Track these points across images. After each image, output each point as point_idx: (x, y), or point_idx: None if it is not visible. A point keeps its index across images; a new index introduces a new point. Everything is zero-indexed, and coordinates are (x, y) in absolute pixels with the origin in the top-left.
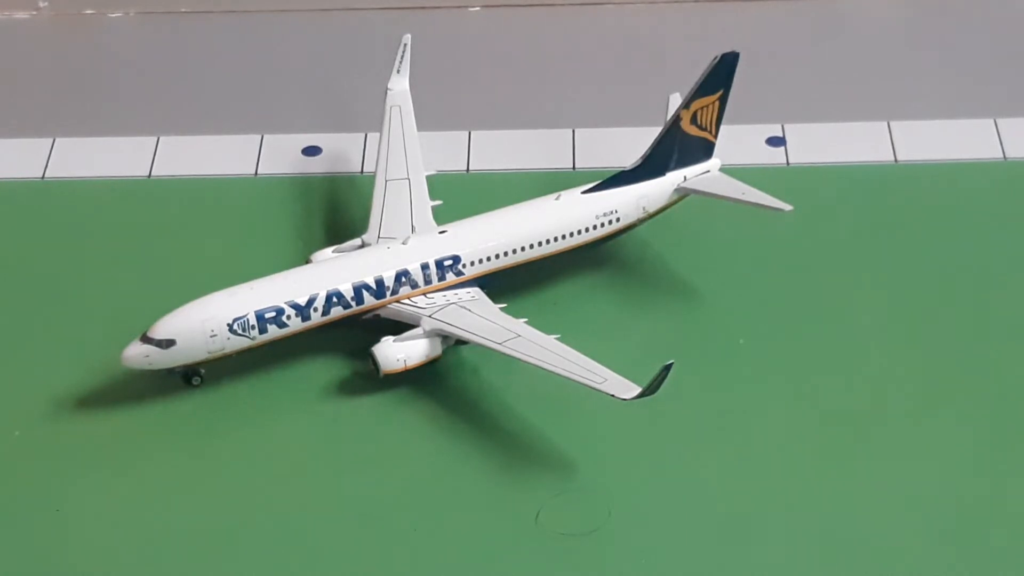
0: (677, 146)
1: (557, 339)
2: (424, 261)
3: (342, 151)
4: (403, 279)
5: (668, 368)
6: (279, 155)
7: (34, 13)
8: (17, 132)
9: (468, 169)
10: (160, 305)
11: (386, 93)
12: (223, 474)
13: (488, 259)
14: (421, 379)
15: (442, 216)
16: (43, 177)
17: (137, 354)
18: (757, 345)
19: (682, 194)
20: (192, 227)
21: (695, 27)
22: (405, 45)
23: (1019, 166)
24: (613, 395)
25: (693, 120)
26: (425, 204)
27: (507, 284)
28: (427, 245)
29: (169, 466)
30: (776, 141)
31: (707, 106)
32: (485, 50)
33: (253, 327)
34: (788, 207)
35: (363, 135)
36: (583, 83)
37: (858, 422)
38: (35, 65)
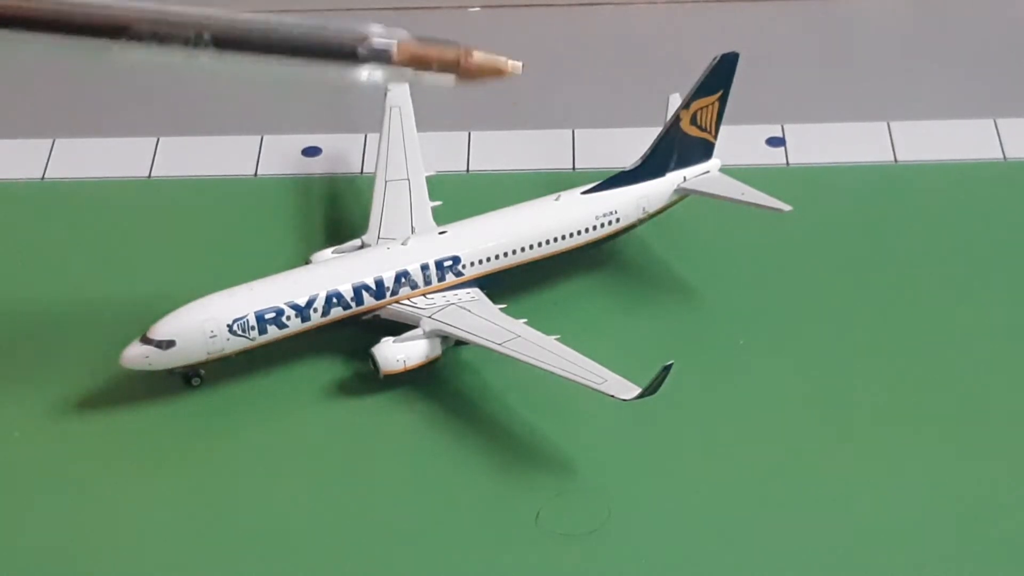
0: (677, 146)
1: (557, 340)
2: (424, 262)
3: (342, 152)
4: (403, 280)
5: (668, 368)
6: (279, 155)
7: None
8: (17, 132)
9: (468, 169)
10: (160, 305)
11: (386, 94)
12: (223, 474)
13: (488, 260)
14: (421, 380)
15: (442, 216)
16: (43, 177)
17: (137, 355)
18: (757, 345)
19: (682, 194)
20: (192, 227)
21: (695, 27)
22: None
23: (1019, 166)
24: (613, 395)
25: (693, 120)
26: (425, 205)
27: (507, 285)
28: (427, 246)
29: (169, 466)
30: (776, 141)
31: (707, 106)
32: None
33: (253, 328)
34: (787, 207)
35: (363, 136)
36: (583, 83)
37: (858, 421)
38: (35, 66)
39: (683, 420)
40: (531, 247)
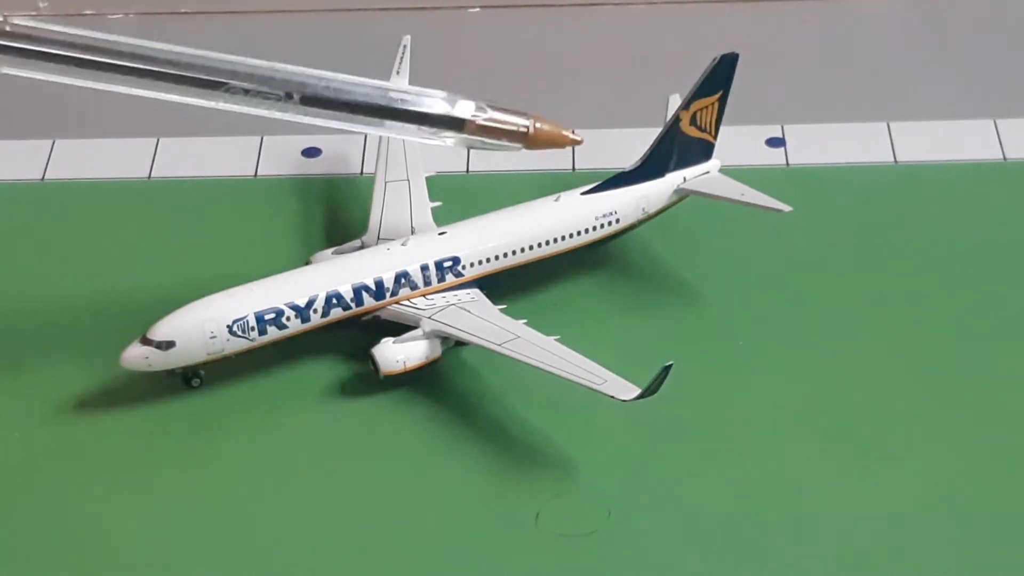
0: (677, 147)
1: (557, 340)
2: (424, 262)
3: (342, 152)
4: (403, 280)
5: (668, 369)
6: (279, 156)
7: (34, 14)
8: (17, 132)
9: (468, 170)
10: (160, 306)
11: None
12: (223, 474)
13: (488, 260)
14: (421, 380)
15: (442, 217)
16: (43, 178)
17: (137, 356)
18: (757, 346)
19: (682, 195)
20: (192, 227)
21: (695, 27)
22: (405, 47)
23: (1019, 166)
24: (613, 396)
25: (693, 121)
26: (425, 205)
27: (507, 285)
28: (427, 246)
29: (169, 467)
30: (776, 142)
31: (707, 107)
32: (485, 50)
33: (252, 328)
34: (787, 208)
35: (363, 136)
36: (583, 83)
37: (857, 422)
38: None
39: (683, 421)
40: (531, 248)
